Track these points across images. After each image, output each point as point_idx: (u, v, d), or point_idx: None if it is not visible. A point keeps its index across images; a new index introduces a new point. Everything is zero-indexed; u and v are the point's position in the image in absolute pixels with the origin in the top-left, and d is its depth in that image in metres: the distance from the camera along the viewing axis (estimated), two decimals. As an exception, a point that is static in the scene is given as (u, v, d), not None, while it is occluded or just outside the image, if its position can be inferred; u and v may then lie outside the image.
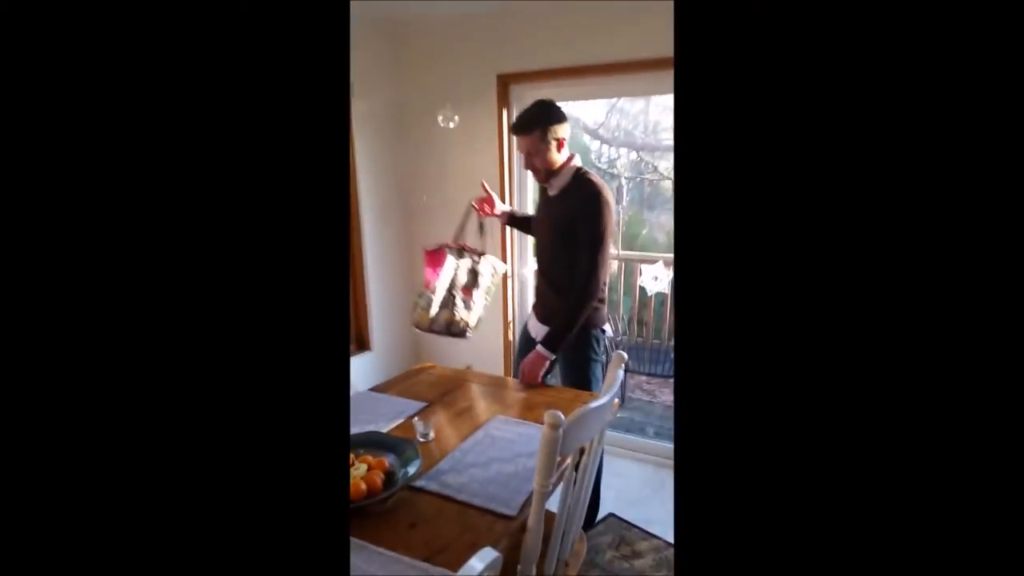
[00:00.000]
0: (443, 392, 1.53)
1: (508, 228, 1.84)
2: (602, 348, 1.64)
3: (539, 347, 1.54)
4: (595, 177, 1.53)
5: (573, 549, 1.19)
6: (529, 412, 1.39)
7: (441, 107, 2.11)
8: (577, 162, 1.57)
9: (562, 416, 0.87)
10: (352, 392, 1.59)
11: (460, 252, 1.64)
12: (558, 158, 1.53)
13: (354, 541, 0.90)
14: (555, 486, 1.01)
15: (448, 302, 1.62)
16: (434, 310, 1.60)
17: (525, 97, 2.26)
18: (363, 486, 0.99)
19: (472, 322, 1.65)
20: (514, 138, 2.22)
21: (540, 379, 1.57)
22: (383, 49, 2.32)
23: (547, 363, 1.55)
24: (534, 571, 0.98)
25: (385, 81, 2.33)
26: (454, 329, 1.62)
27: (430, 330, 1.61)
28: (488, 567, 0.70)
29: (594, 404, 0.96)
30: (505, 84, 2.21)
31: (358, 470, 1.03)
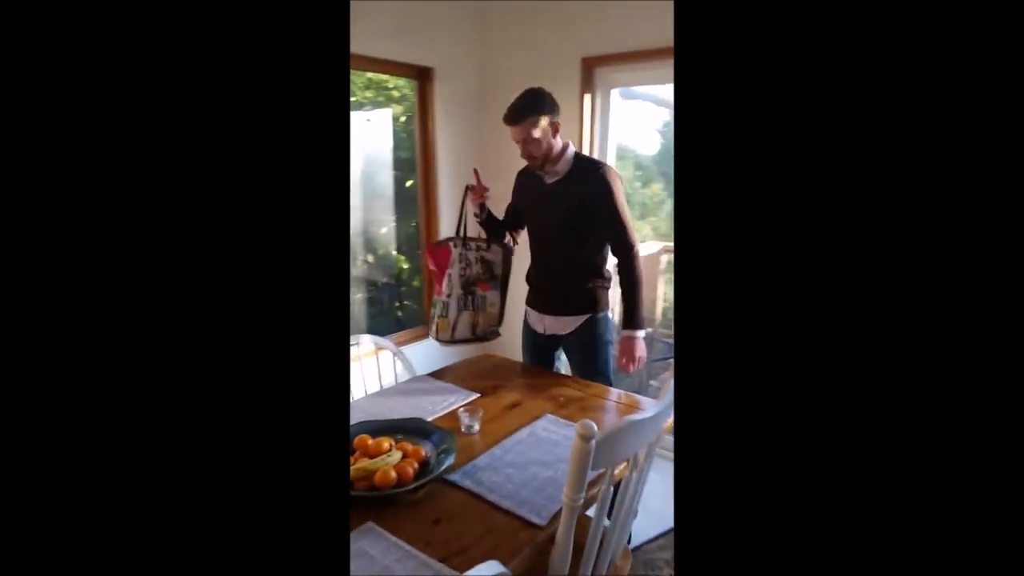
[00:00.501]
0: (498, 384, 1.50)
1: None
2: (611, 330, 1.63)
3: (625, 332, 1.54)
4: (596, 158, 1.57)
5: (613, 566, 1.11)
6: (582, 414, 1.32)
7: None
8: (574, 148, 1.56)
9: (595, 427, 0.79)
10: (408, 376, 1.60)
11: (465, 243, 1.55)
12: (554, 145, 1.51)
13: (376, 530, 0.89)
14: (598, 500, 0.94)
15: (467, 302, 1.55)
16: (453, 314, 1.52)
17: (610, 80, 2.15)
18: (393, 474, 0.98)
19: (498, 318, 1.59)
20: (599, 123, 2.18)
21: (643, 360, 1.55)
22: (467, 33, 2.30)
23: (642, 343, 1.54)
24: (563, 586, 0.92)
25: (468, 65, 2.32)
26: (480, 332, 1.56)
27: (454, 340, 1.54)
28: (489, 582, 0.66)
29: (638, 416, 0.87)
30: (590, 67, 2.11)
31: (392, 457, 1.02)
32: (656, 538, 1.76)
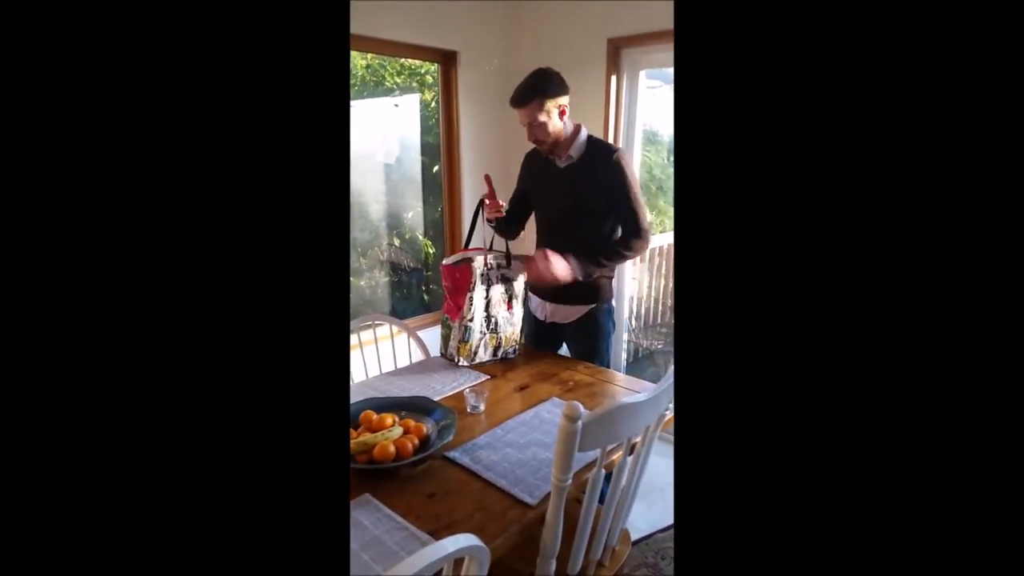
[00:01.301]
0: (509, 367, 1.51)
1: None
2: (613, 320, 1.62)
3: (571, 258, 1.43)
4: (610, 142, 1.53)
5: (611, 550, 1.11)
6: (590, 399, 1.31)
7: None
8: (586, 131, 1.51)
9: (581, 408, 0.79)
10: (425, 358, 1.63)
11: (485, 262, 1.46)
12: (563, 127, 1.46)
13: (372, 501, 0.92)
14: (589, 484, 0.93)
15: (490, 325, 1.48)
16: (475, 339, 1.47)
17: (638, 61, 2.09)
18: (392, 449, 1.00)
19: (519, 336, 1.55)
20: (625, 105, 2.12)
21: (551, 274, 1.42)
22: (492, 15, 2.28)
23: (566, 272, 1.42)
24: (553, 566, 0.92)
25: (493, 48, 2.30)
26: (502, 353, 1.52)
27: (474, 364, 1.49)
28: (460, 552, 0.67)
29: (629, 399, 0.86)
30: (616, 48, 2.06)
31: (393, 432, 1.05)
32: (669, 528, 1.74)
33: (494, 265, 1.48)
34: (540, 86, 1.42)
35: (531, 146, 1.56)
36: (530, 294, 1.68)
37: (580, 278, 1.46)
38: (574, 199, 1.50)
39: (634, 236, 1.49)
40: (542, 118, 1.42)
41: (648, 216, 1.51)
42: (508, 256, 1.52)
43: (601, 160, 1.47)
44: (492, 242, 1.56)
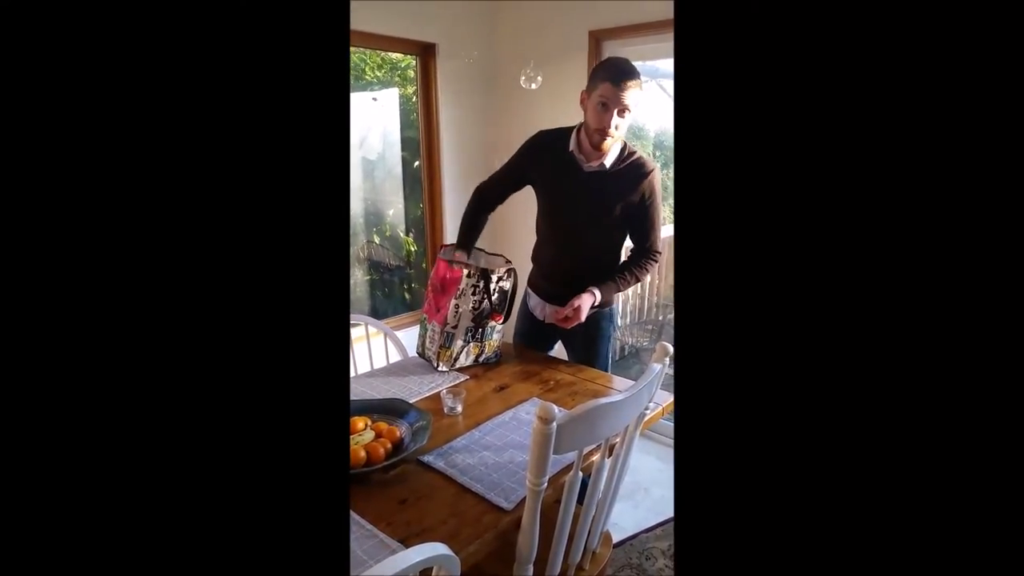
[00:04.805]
0: (489, 367, 1.47)
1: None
2: (613, 326, 1.57)
3: (592, 288, 1.39)
4: (642, 154, 1.42)
5: (591, 553, 1.08)
6: (571, 399, 1.28)
7: (525, 66, 1.99)
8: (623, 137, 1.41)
9: (555, 409, 0.76)
10: (402, 358, 1.59)
11: (485, 275, 1.37)
12: None
13: (340, 508, 0.88)
14: (585, 482, 0.90)
15: (475, 334, 1.41)
16: (457, 346, 1.40)
17: (620, 54, 2.05)
18: (363, 454, 0.96)
19: (501, 343, 1.50)
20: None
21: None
22: (471, 6, 2.23)
23: (587, 308, 1.39)
24: (531, 572, 0.89)
25: (473, 41, 2.26)
26: (483, 359, 1.46)
27: (453, 368, 1.43)
28: (428, 562, 0.63)
29: (605, 400, 0.83)
30: (597, 40, 2.03)
31: (363, 436, 1.01)
32: (654, 527, 1.71)
33: (495, 279, 1.39)
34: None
35: (522, 141, 1.47)
36: (529, 292, 1.60)
37: (599, 300, 1.42)
38: (599, 209, 1.39)
39: (647, 256, 1.46)
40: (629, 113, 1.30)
41: (661, 235, 1.47)
42: (509, 269, 1.43)
43: (635, 176, 1.37)
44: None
